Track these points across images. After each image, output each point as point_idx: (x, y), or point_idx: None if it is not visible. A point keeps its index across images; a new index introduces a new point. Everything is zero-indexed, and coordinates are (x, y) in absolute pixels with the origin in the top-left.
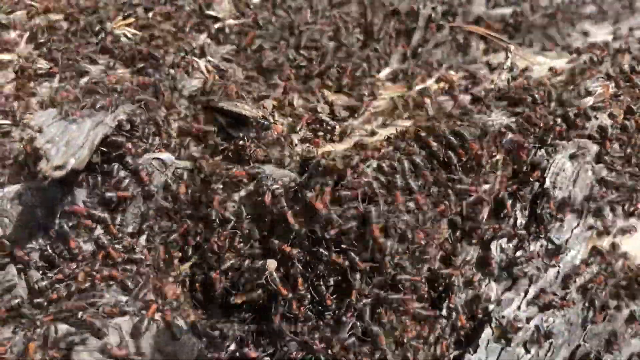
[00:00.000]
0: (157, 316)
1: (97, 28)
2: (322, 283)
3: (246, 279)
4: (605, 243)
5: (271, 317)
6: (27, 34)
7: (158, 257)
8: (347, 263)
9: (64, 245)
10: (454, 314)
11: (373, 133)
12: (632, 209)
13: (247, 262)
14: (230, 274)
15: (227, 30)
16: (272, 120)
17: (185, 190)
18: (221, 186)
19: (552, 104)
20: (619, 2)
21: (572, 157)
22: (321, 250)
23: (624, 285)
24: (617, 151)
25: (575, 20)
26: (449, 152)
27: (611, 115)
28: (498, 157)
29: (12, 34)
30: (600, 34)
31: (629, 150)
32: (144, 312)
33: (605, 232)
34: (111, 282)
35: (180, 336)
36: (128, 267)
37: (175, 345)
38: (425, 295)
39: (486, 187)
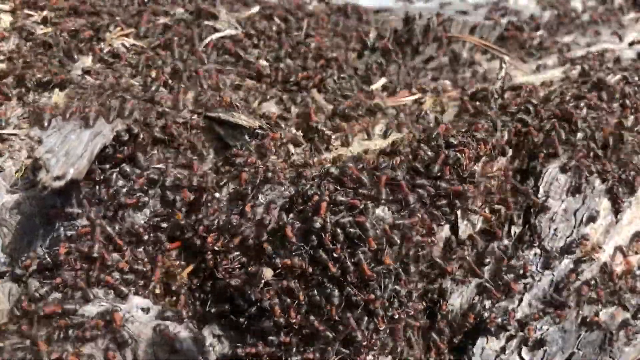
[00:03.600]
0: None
1: (96, 39)
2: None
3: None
4: (597, 250)
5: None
6: (27, 43)
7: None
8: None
9: (57, 251)
10: (448, 321)
11: (369, 143)
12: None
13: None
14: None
15: (225, 40)
16: (268, 130)
17: (187, 195)
18: (218, 195)
19: (546, 114)
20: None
21: (565, 166)
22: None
23: (618, 293)
24: (609, 160)
25: (568, 30)
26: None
27: (602, 126)
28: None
29: (11, 44)
30: (592, 44)
31: (620, 159)
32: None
33: (597, 240)
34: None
35: (180, 347)
36: (128, 277)
37: (174, 355)
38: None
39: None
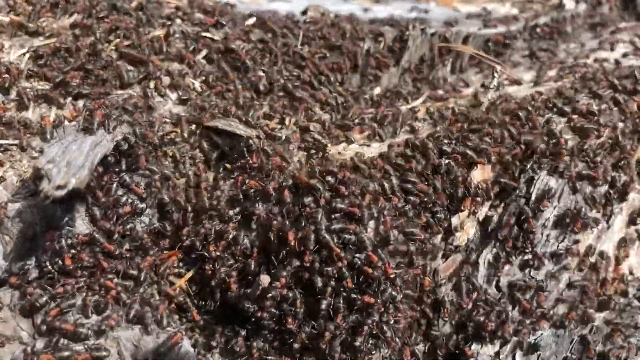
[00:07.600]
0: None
1: (92, 50)
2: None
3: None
4: (592, 256)
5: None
6: (27, 55)
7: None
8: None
9: (63, 261)
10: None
11: (366, 149)
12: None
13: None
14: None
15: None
16: (264, 140)
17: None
18: (215, 202)
19: (538, 122)
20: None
21: (557, 174)
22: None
23: (609, 297)
24: (600, 168)
25: (561, 39)
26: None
27: (595, 133)
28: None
29: (11, 56)
30: (585, 52)
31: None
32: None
33: (589, 245)
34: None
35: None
36: (127, 283)
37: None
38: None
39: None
